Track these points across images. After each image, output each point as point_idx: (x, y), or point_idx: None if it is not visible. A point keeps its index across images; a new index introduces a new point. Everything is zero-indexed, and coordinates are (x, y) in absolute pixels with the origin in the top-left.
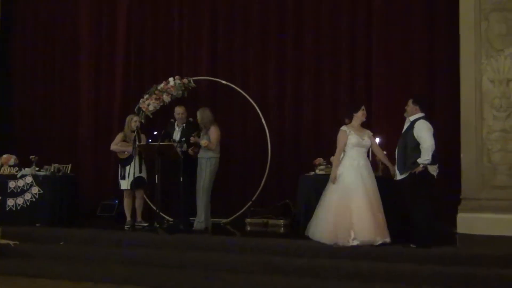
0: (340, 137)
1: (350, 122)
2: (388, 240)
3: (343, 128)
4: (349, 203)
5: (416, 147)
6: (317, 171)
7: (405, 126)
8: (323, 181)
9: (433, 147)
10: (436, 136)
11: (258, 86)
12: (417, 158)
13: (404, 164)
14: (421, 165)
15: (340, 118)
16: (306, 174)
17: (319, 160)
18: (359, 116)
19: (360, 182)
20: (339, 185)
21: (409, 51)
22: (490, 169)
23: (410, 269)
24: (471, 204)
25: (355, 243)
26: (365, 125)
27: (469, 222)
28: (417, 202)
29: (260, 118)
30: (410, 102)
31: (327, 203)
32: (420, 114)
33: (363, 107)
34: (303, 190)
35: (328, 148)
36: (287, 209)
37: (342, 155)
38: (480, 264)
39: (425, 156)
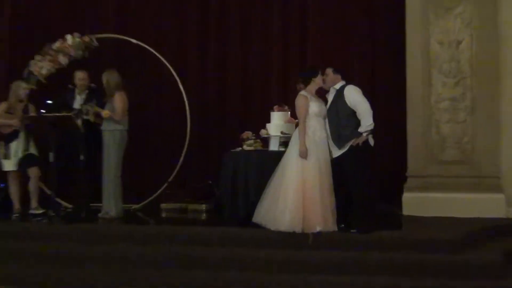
0: (300, 103)
1: (306, 87)
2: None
3: (303, 93)
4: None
5: (350, 114)
6: (245, 147)
7: (330, 97)
8: (252, 159)
9: (371, 109)
10: (378, 103)
11: (175, 46)
12: (355, 128)
13: (340, 137)
14: (365, 133)
15: (293, 83)
16: (232, 150)
17: (247, 133)
18: (318, 81)
19: (316, 162)
20: (298, 162)
21: (347, 4)
22: (438, 142)
23: (351, 256)
24: (418, 182)
25: (318, 229)
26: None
27: (415, 203)
28: (359, 180)
29: (178, 84)
30: (330, 71)
31: (287, 183)
32: (343, 82)
33: (320, 72)
34: (228, 169)
35: (257, 119)
36: (209, 191)
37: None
38: (428, 250)
39: (367, 121)
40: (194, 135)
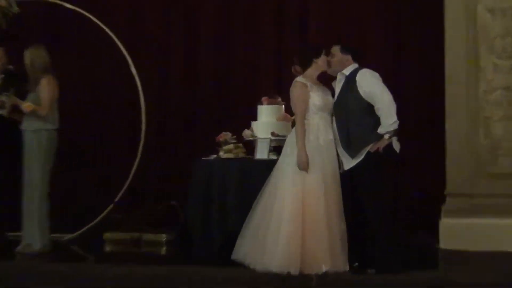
0: (297, 93)
1: (304, 72)
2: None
3: (301, 79)
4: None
5: (366, 109)
6: (222, 154)
7: (338, 87)
8: (231, 170)
9: (394, 102)
10: (406, 95)
11: (127, 15)
12: (373, 128)
13: (352, 141)
14: (387, 135)
15: (289, 66)
16: (204, 158)
17: (225, 135)
18: (320, 63)
19: (321, 176)
20: (295, 176)
21: None
22: (488, 148)
23: None
24: (460, 203)
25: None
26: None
27: (456, 232)
28: (379, 200)
29: (129, 67)
30: (337, 50)
31: (279, 205)
32: (355, 65)
33: (324, 51)
34: (198, 185)
35: (240, 115)
36: (172, 216)
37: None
38: None
39: (390, 118)
40: (152, 139)
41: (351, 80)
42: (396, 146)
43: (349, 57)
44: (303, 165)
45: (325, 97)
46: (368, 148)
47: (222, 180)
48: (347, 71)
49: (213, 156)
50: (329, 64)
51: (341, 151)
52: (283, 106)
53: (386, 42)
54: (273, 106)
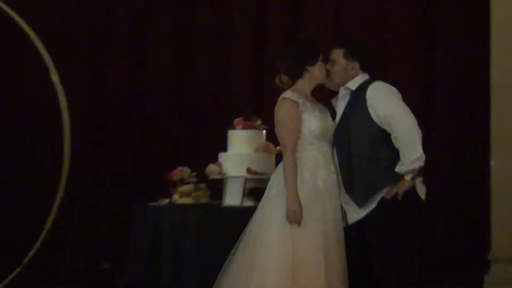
0: (287, 114)
1: (293, 84)
2: None
3: (290, 95)
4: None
5: (379, 139)
6: (177, 197)
7: (340, 105)
8: (189, 222)
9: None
10: (430, 119)
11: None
12: (389, 165)
13: (358, 183)
14: (408, 175)
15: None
16: (150, 204)
17: (181, 172)
18: (317, 72)
19: (319, 232)
20: (284, 232)
21: None
22: None
23: None
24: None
25: None
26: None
27: None
28: (398, 265)
29: (50, 77)
30: (339, 55)
31: (260, 274)
32: (365, 76)
33: (321, 56)
34: (142, 241)
35: (203, 143)
36: (106, 283)
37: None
38: None
39: (412, 153)
40: (78, 174)
41: (359, 97)
42: (421, 191)
43: (356, 65)
44: (295, 216)
45: (325, 120)
46: (382, 194)
47: (176, 235)
48: (353, 84)
49: (164, 201)
50: (328, 73)
51: (344, 197)
52: (264, 131)
53: (412, 42)
54: (250, 131)
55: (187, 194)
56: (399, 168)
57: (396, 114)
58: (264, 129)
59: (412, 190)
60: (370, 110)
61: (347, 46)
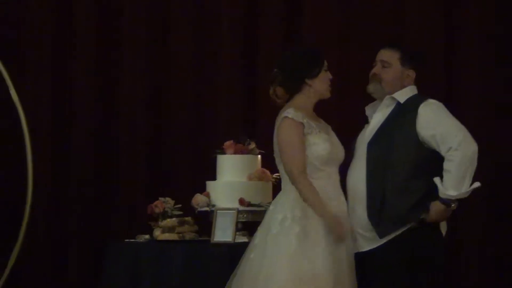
0: (292, 135)
1: (290, 98)
2: None
3: (293, 114)
4: None
5: (423, 164)
6: (157, 233)
7: (377, 116)
8: (173, 261)
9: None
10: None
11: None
12: (426, 193)
13: (387, 213)
14: (456, 204)
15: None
16: (127, 240)
17: (164, 203)
18: (319, 85)
19: (328, 270)
20: (285, 270)
21: None
22: None
23: None
24: None
25: None
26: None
27: None
28: None
29: (10, 96)
30: (395, 58)
31: None
32: (413, 89)
33: (326, 65)
34: (118, 285)
35: (187, 170)
36: None
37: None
38: None
39: (463, 182)
40: (44, 209)
41: (407, 113)
42: (443, 228)
43: (412, 74)
44: (341, 233)
45: (332, 142)
46: (404, 229)
47: (157, 277)
48: (401, 96)
49: (143, 238)
50: (374, 77)
51: (362, 222)
52: (259, 156)
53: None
54: (242, 156)
55: (170, 229)
56: (442, 192)
57: (459, 135)
58: (259, 153)
59: (436, 230)
60: (419, 129)
61: (404, 50)
